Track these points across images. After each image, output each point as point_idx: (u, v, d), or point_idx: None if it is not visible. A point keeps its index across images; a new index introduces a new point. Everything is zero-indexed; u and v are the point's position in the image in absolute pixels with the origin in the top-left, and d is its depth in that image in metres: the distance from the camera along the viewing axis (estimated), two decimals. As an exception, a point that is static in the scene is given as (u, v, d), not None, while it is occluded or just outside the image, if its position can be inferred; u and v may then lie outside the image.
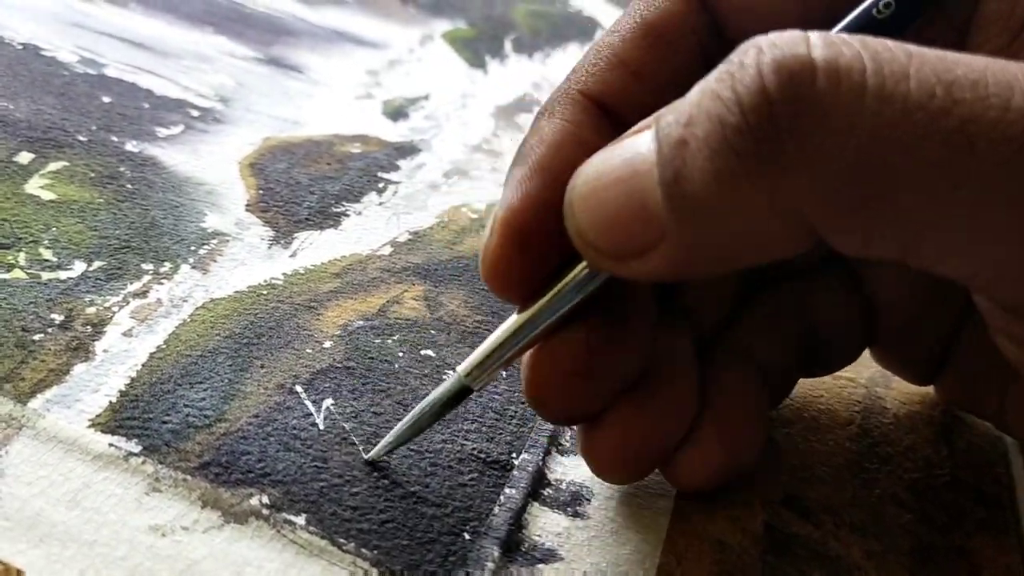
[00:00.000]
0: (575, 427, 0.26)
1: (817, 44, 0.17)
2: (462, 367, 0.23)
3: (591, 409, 0.24)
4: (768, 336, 0.26)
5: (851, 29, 0.21)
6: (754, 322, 0.26)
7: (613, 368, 0.23)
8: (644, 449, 0.24)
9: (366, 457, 0.25)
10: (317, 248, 0.32)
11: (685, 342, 0.25)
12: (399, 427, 0.24)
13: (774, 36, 0.18)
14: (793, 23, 0.19)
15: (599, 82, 0.23)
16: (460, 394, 0.24)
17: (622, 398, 0.24)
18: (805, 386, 0.31)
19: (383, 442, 0.24)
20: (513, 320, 0.23)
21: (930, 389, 0.30)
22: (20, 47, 0.39)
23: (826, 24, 0.21)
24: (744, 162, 0.17)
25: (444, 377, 0.28)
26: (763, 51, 0.17)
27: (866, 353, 0.30)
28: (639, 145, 0.19)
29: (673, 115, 0.19)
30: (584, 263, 0.22)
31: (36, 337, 0.26)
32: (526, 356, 0.23)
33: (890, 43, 0.18)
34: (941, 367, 0.28)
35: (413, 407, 0.24)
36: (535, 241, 0.22)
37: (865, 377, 0.31)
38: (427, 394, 0.24)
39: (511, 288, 0.22)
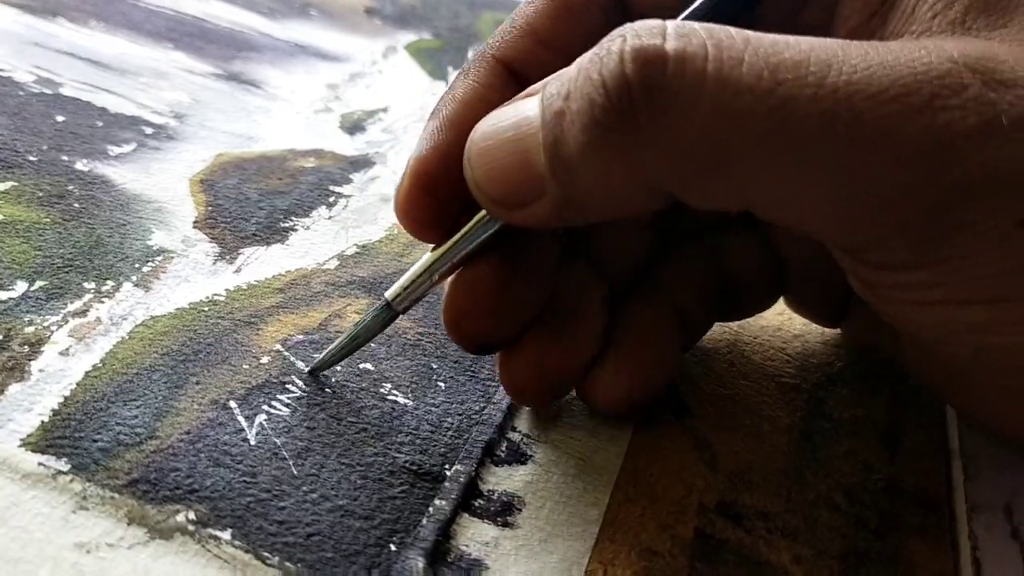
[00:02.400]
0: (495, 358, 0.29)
1: (671, 35, 0.20)
2: (389, 291, 0.26)
3: (504, 337, 0.26)
4: (683, 283, 0.29)
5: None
6: (670, 270, 0.29)
7: (521, 297, 0.26)
8: (555, 372, 0.27)
9: (305, 370, 0.28)
10: (262, 263, 0.32)
11: (595, 281, 0.28)
12: (333, 345, 0.27)
13: (638, 25, 0.21)
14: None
15: (510, 48, 0.26)
16: (386, 315, 0.27)
17: (534, 328, 0.27)
18: (748, 393, 0.31)
19: (320, 358, 0.28)
20: (428, 254, 0.26)
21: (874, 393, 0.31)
22: (-23, 68, 0.40)
23: None
24: (608, 135, 0.21)
25: (380, 389, 0.28)
26: (626, 40, 0.21)
27: (815, 359, 0.31)
28: (527, 109, 0.22)
29: (555, 86, 0.22)
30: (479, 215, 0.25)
31: (-28, 358, 0.26)
32: (444, 293, 0.26)
33: (732, 31, 0.21)
34: (845, 311, 0.31)
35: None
36: (441, 186, 0.25)
37: (810, 383, 0.32)
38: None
39: (418, 226, 0.25)
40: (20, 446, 0.24)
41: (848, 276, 0.24)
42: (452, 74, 0.49)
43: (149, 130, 0.38)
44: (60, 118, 0.37)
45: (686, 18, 0.24)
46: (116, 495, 0.23)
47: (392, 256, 0.34)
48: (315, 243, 0.34)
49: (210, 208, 0.34)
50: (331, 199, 0.36)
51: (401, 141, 0.41)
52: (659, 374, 0.28)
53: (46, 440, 0.24)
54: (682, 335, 0.29)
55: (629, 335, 0.27)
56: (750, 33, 0.21)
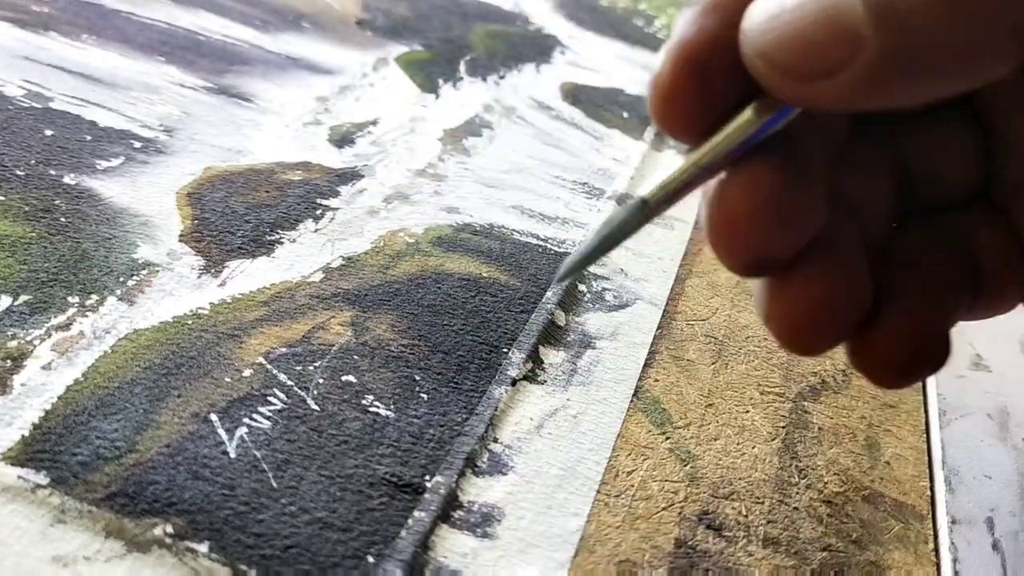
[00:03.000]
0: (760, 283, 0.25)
1: None
2: (647, 191, 0.22)
3: (783, 251, 0.23)
4: (931, 257, 0.25)
5: None
6: (916, 245, 0.26)
7: (805, 203, 0.22)
8: (830, 309, 0.23)
9: (556, 279, 0.25)
10: (247, 276, 0.32)
11: (852, 228, 0.24)
12: (581, 247, 0.23)
13: None
14: None
15: None
16: (641, 214, 0.22)
17: (805, 257, 0.23)
18: (732, 402, 0.31)
19: (567, 262, 0.23)
20: (695, 153, 0.22)
21: (857, 403, 0.31)
22: (-32, 83, 0.40)
23: None
24: None
25: (363, 401, 0.28)
26: None
27: (799, 368, 0.30)
28: None
29: None
30: (756, 103, 0.21)
31: (-46, 372, 0.26)
32: (711, 196, 0.22)
33: None
34: None
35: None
36: (710, 74, 0.21)
37: (794, 393, 0.32)
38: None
39: (683, 120, 0.22)
40: (0, 460, 0.24)
41: None
42: (443, 86, 0.49)
43: (138, 144, 0.38)
44: (49, 132, 0.38)
45: None
46: (94, 508, 0.23)
47: (377, 268, 0.34)
48: (301, 256, 0.34)
49: (196, 222, 0.34)
50: (318, 212, 0.36)
51: (390, 154, 0.42)
52: (938, 339, 0.24)
53: (26, 454, 0.24)
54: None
55: (907, 288, 0.24)
56: None
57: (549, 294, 0.34)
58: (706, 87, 0.21)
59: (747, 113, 0.21)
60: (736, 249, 0.22)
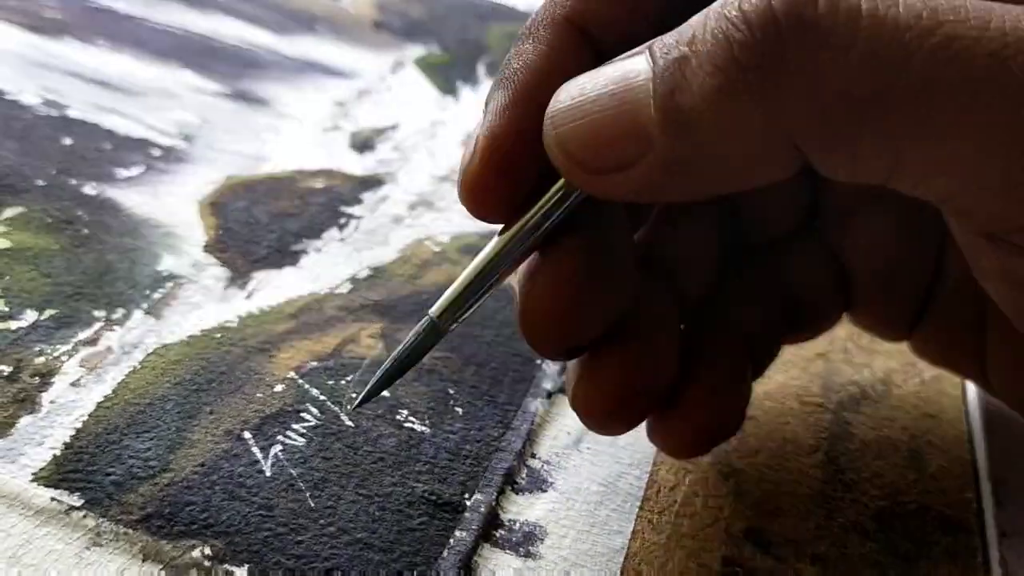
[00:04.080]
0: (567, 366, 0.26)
1: None
2: (433, 308, 0.23)
3: (584, 338, 0.24)
4: (751, 304, 0.27)
5: None
6: (737, 292, 0.27)
7: (604, 294, 0.23)
8: (632, 393, 0.24)
9: (350, 408, 0.26)
10: (274, 288, 0.32)
11: (667, 296, 0.26)
12: (375, 376, 0.24)
13: None
14: None
15: (582, 8, 0.23)
16: (431, 336, 0.24)
17: (611, 341, 0.24)
18: (772, 413, 0.30)
19: (362, 392, 0.24)
20: (483, 253, 0.23)
21: (898, 414, 0.30)
22: (-17, 91, 0.39)
23: None
24: (747, 76, 0.18)
25: (397, 416, 0.27)
26: None
27: (838, 376, 0.30)
28: (632, 64, 0.20)
29: (672, 37, 0.20)
30: (555, 188, 0.22)
31: (-18, 390, 0.26)
32: (518, 295, 0.23)
33: None
34: (916, 324, 0.29)
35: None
36: (513, 167, 0.22)
37: (834, 403, 0.31)
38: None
39: (489, 209, 0.23)
40: (32, 480, 0.24)
41: (985, 281, 0.22)
42: (462, 89, 0.48)
43: (157, 152, 0.38)
44: (67, 141, 0.37)
45: None
46: (130, 530, 0.23)
47: (405, 278, 0.33)
48: (327, 266, 0.33)
49: (220, 232, 0.34)
50: (342, 220, 0.36)
51: (411, 160, 0.41)
52: (736, 413, 0.26)
53: (58, 474, 0.24)
54: (752, 364, 0.27)
55: (704, 372, 0.25)
56: None
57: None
58: (511, 177, 0.22)
59: (546, 196, 0.22)
60: (542, 342, 0.23)
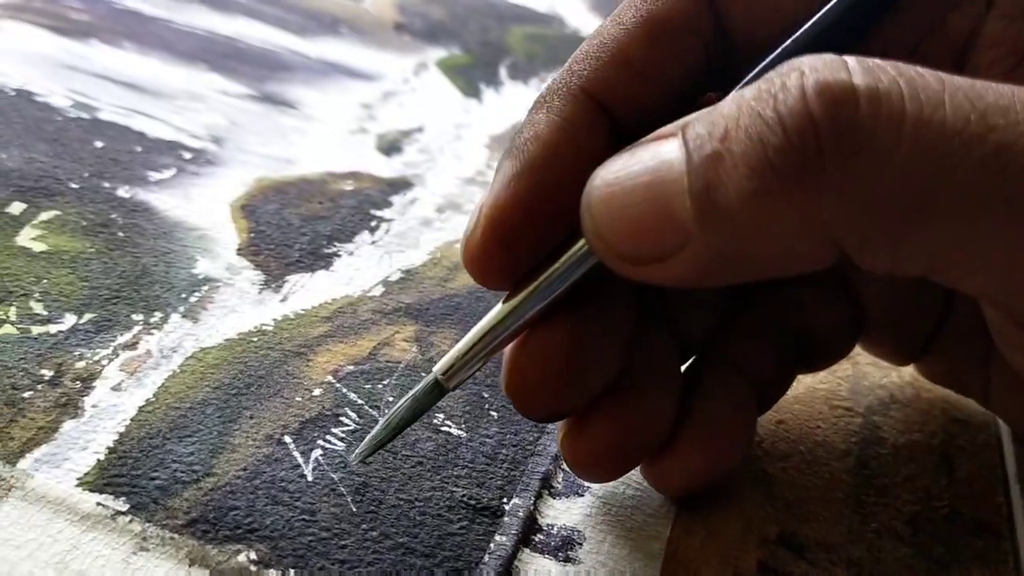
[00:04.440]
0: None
1: (857, 70, 0.18)
2: (437, 366, 0.24)
3: (571, 407, 0.24)
4: (759, 342, 0.27)
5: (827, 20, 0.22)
6: (744, 329, 0.27)
7: (593, 367, 0.23)
8: (623, 450, 0.25)
9: (349, 460, 0.26)
10: (308, 291, 0.32)
11: (668, 348, 0.26)
12: (375, 430, 0.24)
13: (813, 59, 0.18)
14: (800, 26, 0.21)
15: (600, 79, 0.23)
16: (434, 395, 0.24)
17: (603, 398, 0.24)
18: (802, 417, 0.30)
19: (362, 445, 0.25)
20: (490, 317, 0.23)
21: (927, 418, 0.30)
22: (13, 93, 0.40)
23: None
24: (783, 181, 0.18)
25: (434, 421, 0.28)
26: (806, 74, 0.18)
27: (866, 380, 0.30)
28: (665, 152, 0.19)
29: (704, 127, 0.19)
30: (563, 259, 0.22)
31: (26, 395, 0.26)
32: (506, 356, 0.24)
33: (922, 69, 0.18)
34: (924, 353, 0.29)
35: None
36: (517, 239, 0.22)
37: (863, 407, 0.31)
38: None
39: (491, 279, 0.23)
40: (77, 485, 0.24)
41: (1007, 351, 0.22)
42: (485, 91, 0.48)
43: (188, 155, 0.38)
44: (99, 144, 0.37)
45: (793, 44, 0.22)
46: (176, 535, 0.23)
47: (436, 281, 0.33)
48: (359, 269, 0.33)
49: (252, 234, 0.34)
50: (372, 223, 0.36)
51: (438, 162, 0.41)
52: (735, 456, 0.26)
53: (103, 479, 0.24)
54: (759, 400, 0.27)
55: (702, 414, 0.25)
56: (941, 73, 0.18)
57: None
58: (513, 249, 0.22)
59: (554, 267, 0.22)
60: (528, 409, 0.24)
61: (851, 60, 0.18)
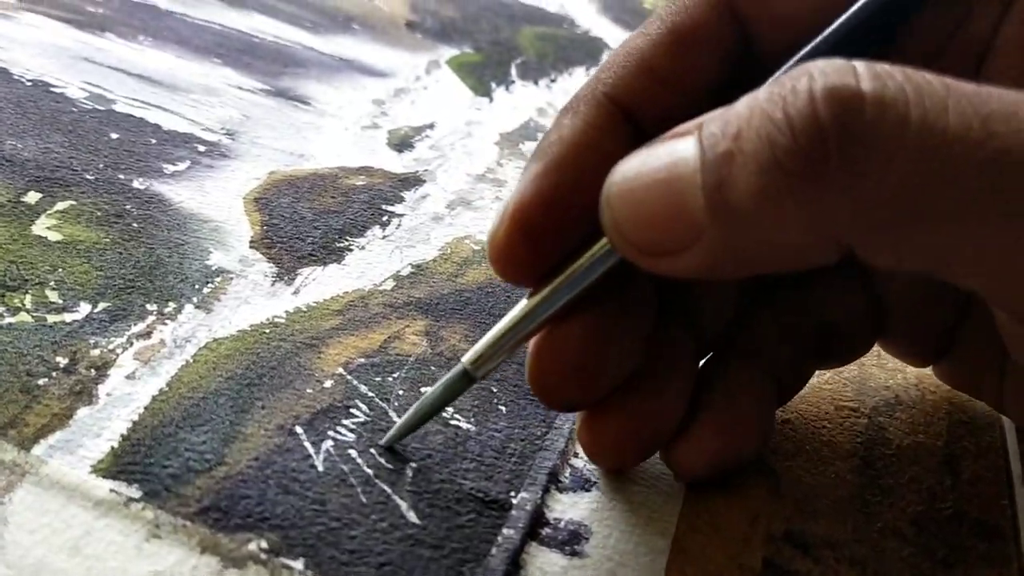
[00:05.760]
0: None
1: (864, 75, 0.19)
2: (466, 356, 0.25)
3: (590, 398, 0.25)
4: (778, 335, 0.27)
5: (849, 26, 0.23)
6: (763, 321, 0.28)
7: (613, 361, 0.24)
8: (637, 440, 0.26)
9: (380, 443, 0.26)
10: (320, 284, 0.32)
11: (686, 339, 0.26)
12: (405, 416, 0.26)
13: (824, 64, 0.19)
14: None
15: (624, 86, 0.24)
16: (462, 383, 0.25)
17: (620, 390, 0.25)
18: (808, 417, 0.31)
19: (391, 431, 0.26)
20: (517, 310, 0.24)
21: (932, 420, 0.30)
22: (29, 84, 0.40)
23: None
24: (790, 180, 0.19)
25: (443, 415, 0.28)
26: (815, 78, 0.19)
27: (872, 381, 0.30)
28: (681, 149, 0.20)
29: (718, 126, 0.20)
30: (587, 255, 0.23)
31: (40, 382, 0.26)
32: (530, 349, 0.24)
33: (929, 76, 0.19)
34: (943, 354, 0.30)
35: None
36: (541, 235, 0.23)
37: (869, 408, 0.31)
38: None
39: (515, 274, 0.24)
40: (91, 472, 0.24)
41: (1013, 347, 0.23)
42: (496, 90, 0.49)
43: (202, 147, 0.38)
44: (114, 135, 0.38)
45: (811, 51, 0.22)
46: (188, 523, 0.23)
47: (447, 277, 0.34)
48: (371, 263, 0.34)
49: (266, 227, 0.34)
50: (384, 218, 0.36)
51: (449, 158, 0.41)
52: (750, 443, 0.27)
53: (117, 466, 0.24)
54: (777, 394, 0.28)
55: (719, 400, 0.26)
56: (947, 79, 0.19)
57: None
58: (537, 245, 0.23)
59: (579, 261, 0.23)
60: (549, 399, 0.25)
61: (860, 65, 0.19)
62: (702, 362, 0.28)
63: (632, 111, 0.24)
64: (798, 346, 0.28)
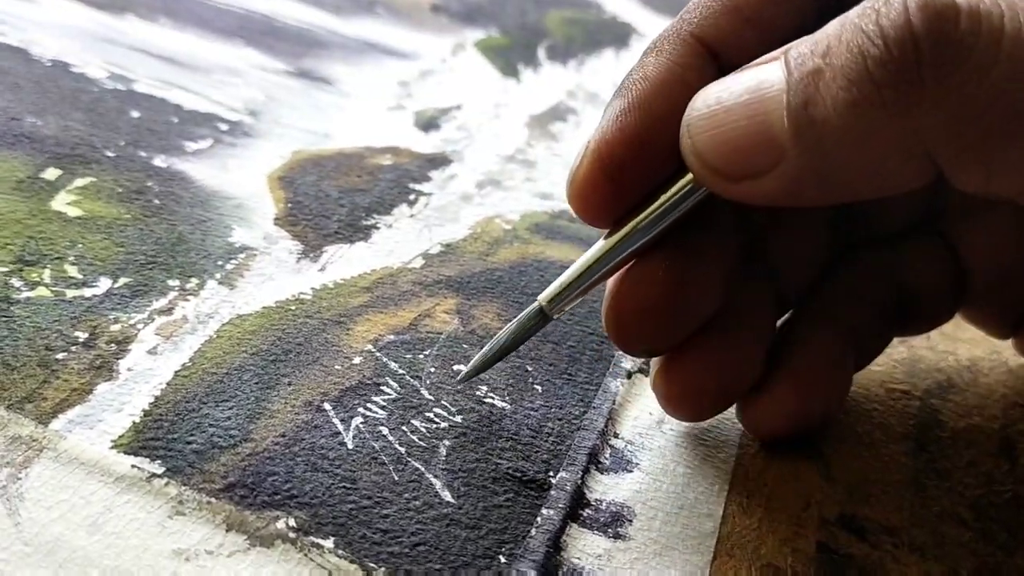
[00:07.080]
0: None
1: None
2: (543, 295, 0.24)
3: (667, 343, 0.24)
4: (857, 299, 0.27)
5: None
6: (843, 286, 0.27)
7: (691, 303, 0.24)
8: (714, 388, 0.25)
9: (457, 380, 0.26)
10: (347, 262, 0.31)
11: (766, 291, 0.26)
12: (479, 353, 0.25)
13: None
14: None
15: (711, 25, 0.23)
16: (537, 321, 0.24)
17: (698, 336, 0.24)
18: (857, 399, 0.29)
19: (468, 367, 0.25)
20: (594, 249, 0.23)
21: (986, 402, 0.29)
22: (49, 63, 0.39)
23: None
24: (882, 93, 0.18)
25: (477, 392, 0.27)
26: None
27: (922, 363, 0.29)
28: (766, 72, 0.20)
29: (807, 46, 0.19)
30: (668, 193, 0.22)
31: (59, 356, 0.25)
32: (608, 289, 0.24)
33: None
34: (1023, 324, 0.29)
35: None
36: (622, 173, 0.22)
37: (920, 390, 0.30)
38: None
39: (595, 212, 0.23)
40: (112, 447, 0.23)
41: None
42: (523, 72, 0.47)
43: (224, 127, 0.37)
44: (135, 114, 0.37)
45: None
46: (213, 500, 0.22)
47: (477, 255, 0.33)
48: (399, 241, 0.33)
49: (290, 205, 0.33)
50: (411, 197, 0.35)
51: (476, 139, 0.40)
52: (827, 402, 0.26)
53: (139, 441, 0.23)
54: (856, 356, 0.27)
55: (799, 359, 0.25)
56: None
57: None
58: (618, 185, 0.22)
59: (659, 200, 0.22)
60: (624, 341, 0.24)
61: None
62: (779, 322, 0.27)
63: (718, 51, 0.23)
64: (878, 310, 0.27)
